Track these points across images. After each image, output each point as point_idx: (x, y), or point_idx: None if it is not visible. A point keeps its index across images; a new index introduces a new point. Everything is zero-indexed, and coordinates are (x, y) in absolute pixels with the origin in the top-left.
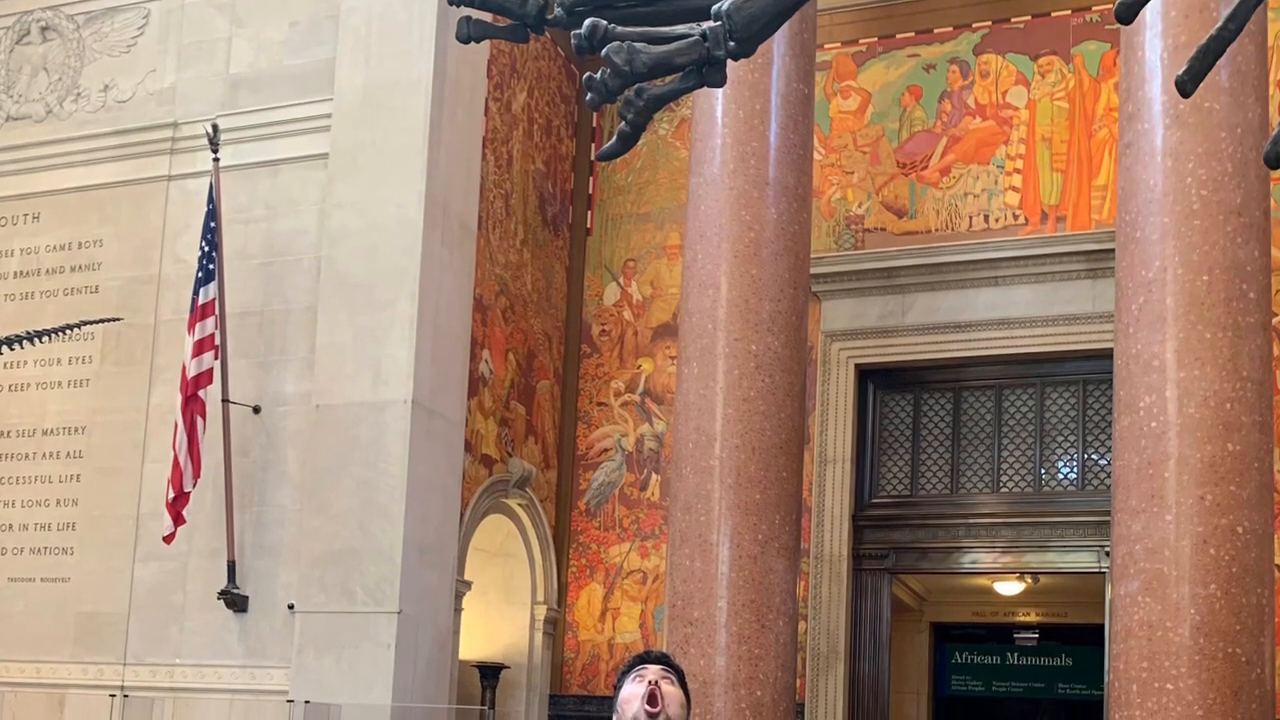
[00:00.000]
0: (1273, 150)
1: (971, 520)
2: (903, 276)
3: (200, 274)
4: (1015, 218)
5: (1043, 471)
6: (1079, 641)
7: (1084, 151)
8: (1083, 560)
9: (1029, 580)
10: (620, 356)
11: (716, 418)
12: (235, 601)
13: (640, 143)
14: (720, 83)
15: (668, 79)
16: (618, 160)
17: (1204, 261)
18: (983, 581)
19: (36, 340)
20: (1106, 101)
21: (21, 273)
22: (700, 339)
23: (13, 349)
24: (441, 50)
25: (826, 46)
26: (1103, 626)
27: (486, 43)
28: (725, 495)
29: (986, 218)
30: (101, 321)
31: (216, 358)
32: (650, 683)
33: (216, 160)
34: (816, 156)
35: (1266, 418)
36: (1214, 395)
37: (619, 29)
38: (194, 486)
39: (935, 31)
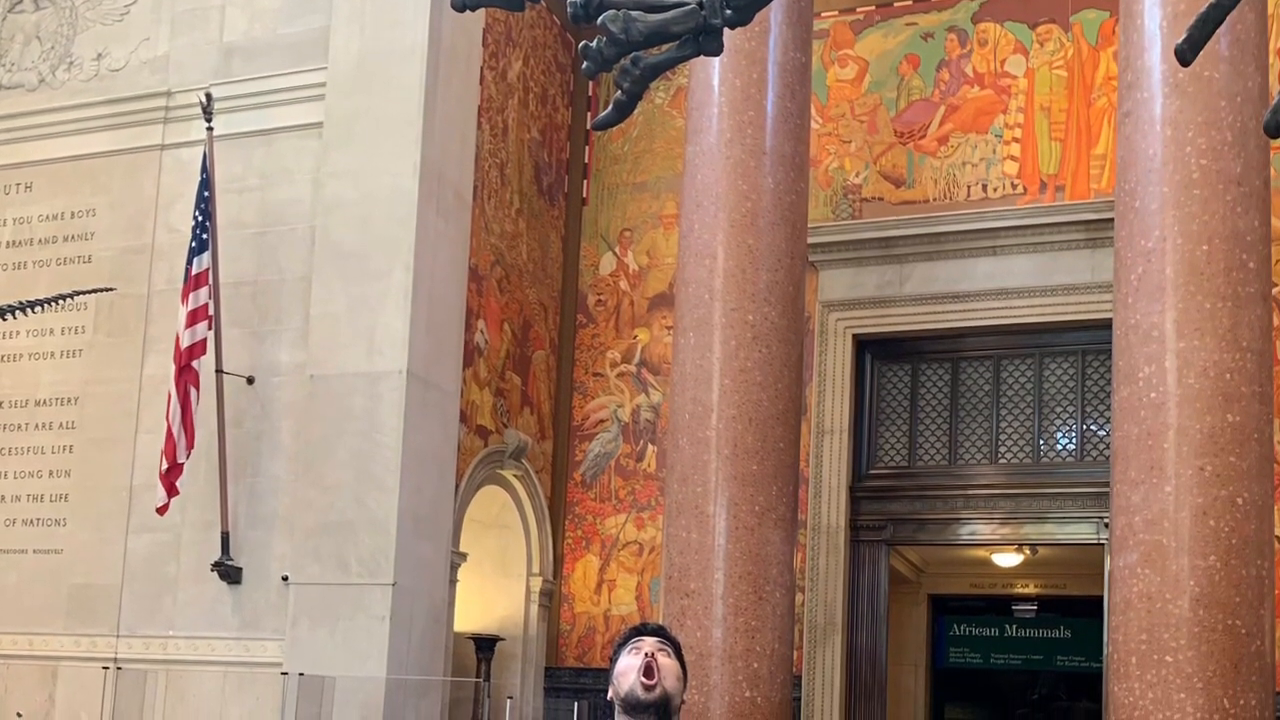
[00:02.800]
0: (1273, 119)
1: (970, 491)
2: (900, 246)
3: (194, 244)
4: (1014, 187)
5: (1041, 442)
6: (1078, 613)
7: (1083, 120)
8: (1081, 532)
9: (1027, 552)
10: (616, 327)
11: (713, 388)
12: (229, 573)
13: (636, 112)
14: (717, 51)
15: (664, 47)
16: (614, 129)
17: (1203, 231)
18: (981, 553)
19: (29, 310)
20: (1105, 70)
21: (14, 242)
22: (697, 309)
23: (5, 319)
24: (436, 18)
25: (824, 15)
26: (1102, 598)
27: (481, 11)
28: (722, 466)
29: (985, 187)
30: (94, 291)
31: (210, 328)
32: (646, 655)
33: (210, 129)
34: (814, 125)
35: (1266, 388)
36: (1214, 366)
37: None
38: (187, 457)
39: (933, 0)
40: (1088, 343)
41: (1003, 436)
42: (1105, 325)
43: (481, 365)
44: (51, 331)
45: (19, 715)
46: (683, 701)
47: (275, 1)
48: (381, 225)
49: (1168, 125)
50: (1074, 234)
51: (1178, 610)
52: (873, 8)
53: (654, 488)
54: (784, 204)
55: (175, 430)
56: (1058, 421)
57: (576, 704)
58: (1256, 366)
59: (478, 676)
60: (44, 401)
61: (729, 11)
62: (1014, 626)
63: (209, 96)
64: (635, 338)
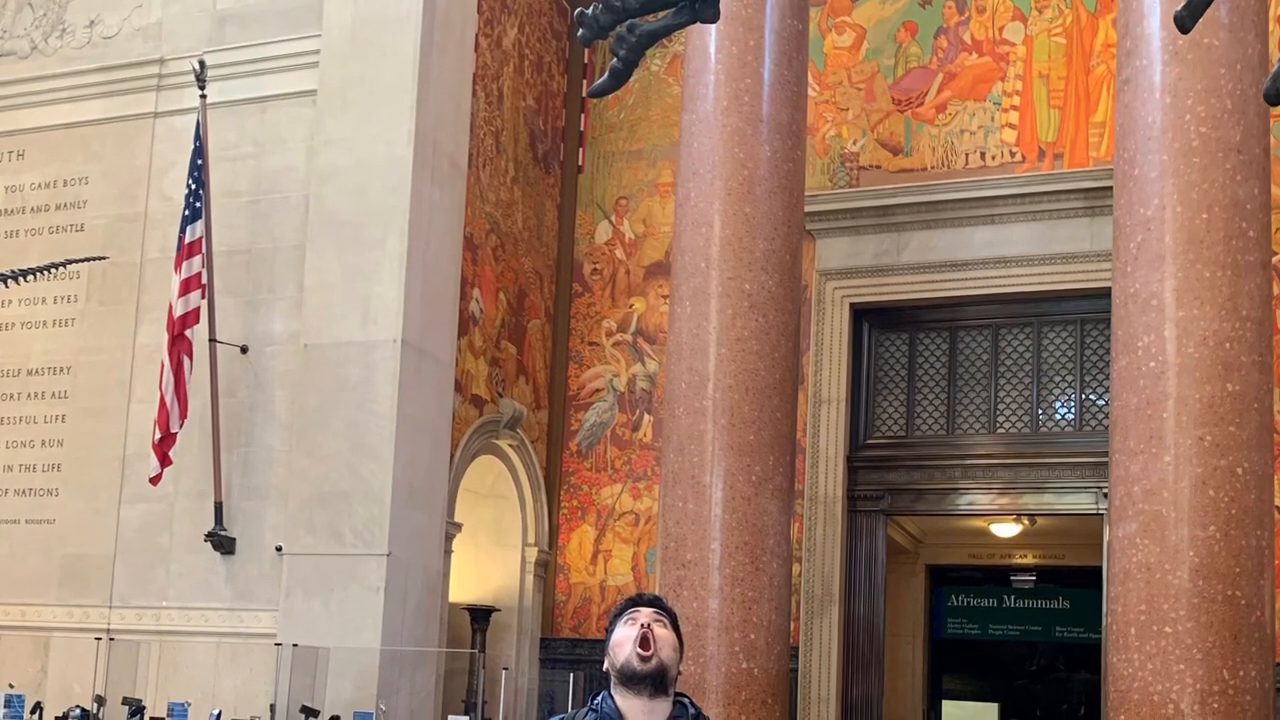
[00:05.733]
0: (1272, 87)
1: (968, 461)
2: (898, 214)
3: (187, 212)
4: (1012, 155)
5: (1040, 412)
6: (1077, 584)
7: (1081, 88)
8: (1080, 502)
9: (1026, 522)
10: (612, 295)
11: (710, 358)
12: (222, 544)
13: (632, 79)
14: (714, 18)
15: (660, 14)
16: (610, 97)
17: (1203, 199)
18: (979, 523)
19: (21, 279)
20: (1105, 37)
21: (6, 211)
22: (693, 278)
23: None
24: None
25: None
26: (1101, 569)
27: None
28: (718, 436)
29: (983, 155)
30: (87, 260)
31: (203, 297)
32: (643, 626)
33: (203, 97)
34: (811, 93)
35: (1266, 357)
36: (1213, 335)
37: None
38: (180, 427)
39: None
40: (1086, 311)
41: (1001, 406)
42: (1104, 294)
43: (476, 334)
44: (44, 300)
45: (11, 686)
46: (679, 672)
47: None
48: (376, 193)
49: (1167, 93)
50: (1073, 202)
51: (1177, 581)
52: None
53: (650, 457)
54: (781, 172)
55: (168, 400)
56: (1056, 391)
57: (572, 675)
58: (1256, 335)
59: (473, 647)
60: (36, 371)
61: None
62: (1012, 597)
63: (202, 64)
64: (631, 306)
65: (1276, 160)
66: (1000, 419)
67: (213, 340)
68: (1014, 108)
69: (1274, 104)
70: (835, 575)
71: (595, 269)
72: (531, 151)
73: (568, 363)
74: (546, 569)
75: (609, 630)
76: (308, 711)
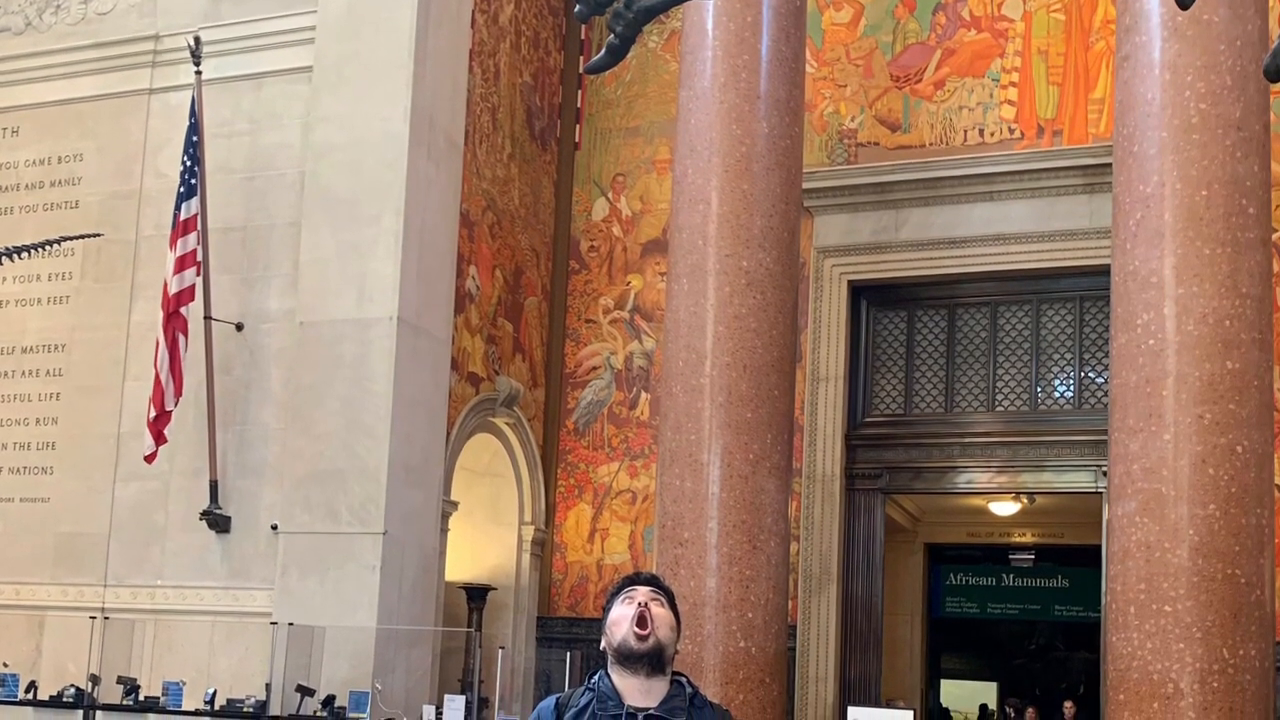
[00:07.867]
0: (1273, 63)
1: (966, 439)
2: (896, 191)
3: (182, 189)
4: (1011, 131)
5: (1039, 390)
6: (1076, 562)
7: (1080, 64)
8: (1079, 480)
9: (1025, 500)
10: (609, 273)
11: (707, 335)
12: (217, 522)
13: (629, 56)
14: None
15: None
16: (606, 73)
17: (1203, 176)
18: (978, 502)
19: (16, 256)
20: (1104, 13)
21: (1, 188)
22: (690, 255)
23: None
24: None
25: None
26: (1100, 547)
27: None
28: (716, 414)
29: (981, 131)
30: (82, 237)
31: (198, 274)
32: (640, 604)
33: (199, 73)
34: (809, 69)
35: (1266, 335)
36: (1213, 312)
37: None
38: (175, 405)
39: None
40: (1086, 289)
41: (1000, 384)
42: (1103, 271)
43: (473, 312)
44: (38, 278)
45: (5, 665)
46: (676, 651)
47: None
48: (372, 170)
49: (1166, 69)
50: (1072, 179)
51: (1177, 559)
52: None
53: (647, 436)
54: (778, 149)
55: (163, 377)
56: (1055, 368)
57: (569, 654)
58: (1256, 313)
59: (469, 626)
60: (31, 348)
61: None
62: (1011, 576)
63: (197, 40)
64: (628, 284)
65: (1276, 137)
66: (999, 397)
67: (208, 318)
68: (1013, 84)
69: (1274, 80)
70: (833, 554)
71: (592, 246)
72: (528, 128)
73: (564, 340)
74: (543, 547)
75: (606, 609)
76: (303, 690)
